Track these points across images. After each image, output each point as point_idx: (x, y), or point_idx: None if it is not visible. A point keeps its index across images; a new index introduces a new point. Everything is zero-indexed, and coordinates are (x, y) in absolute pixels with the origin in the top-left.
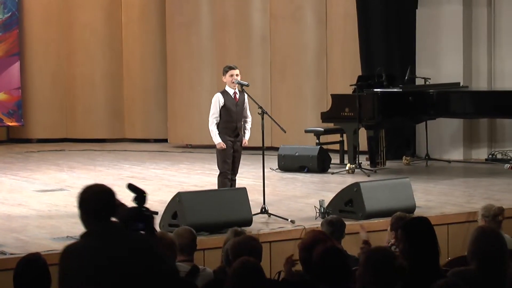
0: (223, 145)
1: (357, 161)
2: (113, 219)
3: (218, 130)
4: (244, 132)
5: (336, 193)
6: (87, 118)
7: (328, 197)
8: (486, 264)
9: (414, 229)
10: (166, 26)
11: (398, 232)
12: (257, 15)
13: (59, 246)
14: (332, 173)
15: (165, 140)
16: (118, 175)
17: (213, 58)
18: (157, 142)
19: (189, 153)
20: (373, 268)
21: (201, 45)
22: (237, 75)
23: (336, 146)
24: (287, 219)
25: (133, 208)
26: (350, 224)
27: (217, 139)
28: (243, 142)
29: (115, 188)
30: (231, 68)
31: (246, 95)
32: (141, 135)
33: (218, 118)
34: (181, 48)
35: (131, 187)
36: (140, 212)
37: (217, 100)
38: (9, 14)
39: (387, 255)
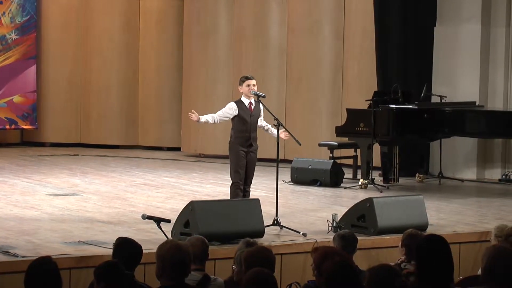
0: (192, 115)
1: (370, 177)
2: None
3: (232, 140)
4: (270, 129)
5: (349, 207)
6: (101, 124)
7: (340, 211)
8: (501, 283)
9: (430, 247)
10: (183, 35)
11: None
12: (275, 28)
13: (71, 250)
14: (345, 188)
15: (178, 149)
16: (131, 182)
17: (229, 68)
18: (170, 150)
19: (202, 163)
20: (376, 285)
21: (218, 55)
22: (254, 85)
23: (350, 161)
24: (299, 232)
25: None
26: (362, 240)
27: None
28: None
29: (127, 195)
30: (248, 78)
31: (262, 106)
32: (154, 143)
33: (223, 119)
34: (198, 57)
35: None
36: None
37: (232, 107)
38: (28, 17)
39: (391, 273)
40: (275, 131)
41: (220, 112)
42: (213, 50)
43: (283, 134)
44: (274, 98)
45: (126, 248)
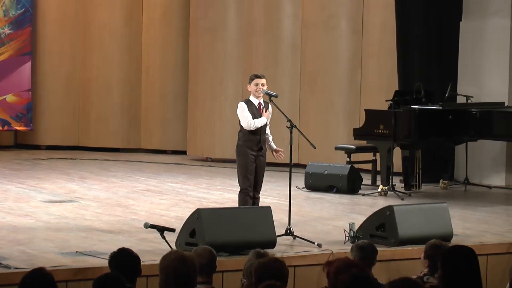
0: (266, 113)
1: (390, 183)
2: None
3: (240, 143)
4: (270, 142)
5: (367, 216)
6: (101, 125)
7: (358, 220)
8: None
9: (455, 259)
10: (189, 30)
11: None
12: (288, 22)
13: (67, 261)
14: (363, 195)
15: (184, 152)
16: (132, 188)
17: (238, 66)
18: (175, 154)
19: (209, 167)
20: None
21: (226, 52)
22: (262, 84)
23: (368, 166)
24: (314, 242)
25: None
26: (381, 251)
27: (261, 119)
28: (278, 154)
29: (129, 202)
30: (257, 76)
31: (271, 107)
32: (158, 146)
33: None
34: (205, 54)
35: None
36: None
37: (244, 107)
38: (22, 10)
39: (413, 286)
40: (273, 145)
41: (244, 118)
42: (221, 46)
43: (277, 154)
44: (287, 98)
45: (121, 259)
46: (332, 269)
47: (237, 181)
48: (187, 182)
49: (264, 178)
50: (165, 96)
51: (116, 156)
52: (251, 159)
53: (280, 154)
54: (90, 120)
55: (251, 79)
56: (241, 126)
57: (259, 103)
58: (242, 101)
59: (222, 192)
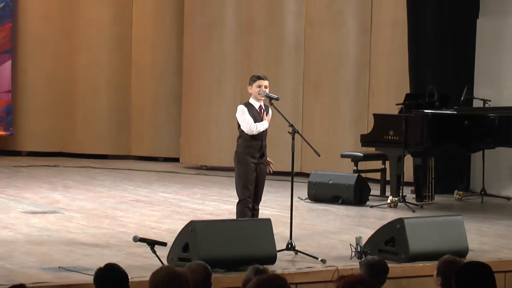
0: (267, 117)
1: (400, 194)
2: None
3: (240, 149)
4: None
5: (376, 229)
6: (87, 129)
7: (366, 234)
8: None
9: (471, 276)
10: (184, 27)
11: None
12: (290, 19)
13: (50, 277)
14: (371, 206)
15: (177, 160)
16: (121, 198)
17: (237, 66)
18: (167, 161)
19: (204, 176)
20: None
21: (224, 51)
22: (265, 86)
23: (377, 175)
24: (317, 258)
25: None
26: (391, 267)
27: (263, 123)
28: (269, 168)
29: (117, 214)
30: (259, 78)
31: (271, 111)
32: (149, 153)
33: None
34: (200, 53)
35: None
36: None
37: (245, 110)
38: (2, 4)
39: None
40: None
41: (246, 122)
42: (218, 45)
43: (268, 166)
44: (289, 101)
45: (108, 275)
46: (342, 284)
47: (235, 191)
48: (180, 192)
49: (264, 188)
50: (157, 98)
51: (104, 163)
52: (252, 168)
53: (270, 167)
54: (76, 124)
55: (253, 80)
56: (241, 131)
57: (260, 106)
58: (242, 104)
59: (218, 203)
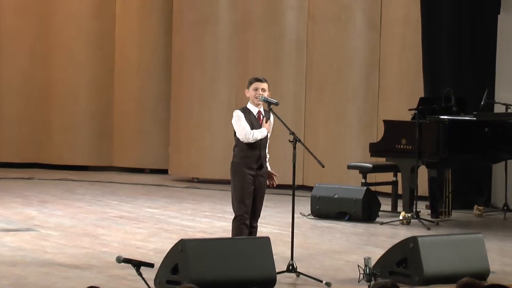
0: (267, 124)
1: (414, 209)
2: None
3: (237, 160)
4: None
5: (386, 249)
6: (65, 138)
7: (375, 254)
8: None
9: None
10: (172, 23)
11: None
12: (291, 15)
13: None
14: (381, 223)
15: (165, 171)
16: (103, 214)
17: (232, 66)
18: (154, 173)
19: (196, 189)
20: None
21: (217, 50)
22: (263, 89)
23: (388, 188)
24: (321, 281)
25: None
26: None
27: (262, 130)
28: (272, 180)
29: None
30: (257, 80)
31: (272, 118)
32: (134, 164)
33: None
34: (191, 52)
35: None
36: None
37: (241, 116)
38: None
39: None
40: (268, 167)
41: (241, 129)
42: (212, 43)
43: (270, 180)
44: (290, 106)
45: None
46: None
47: (231, 207)
48: (169, 208)
49: (263, 202)
50: (143, 102)
51: (83, 175)
52: (249, 180)
53: (274, 180)
54: (52, 131)
55: (250, 83)
56: (237, 139)
57: (259, 112)
58: (238, 109)
59: (212, 219)
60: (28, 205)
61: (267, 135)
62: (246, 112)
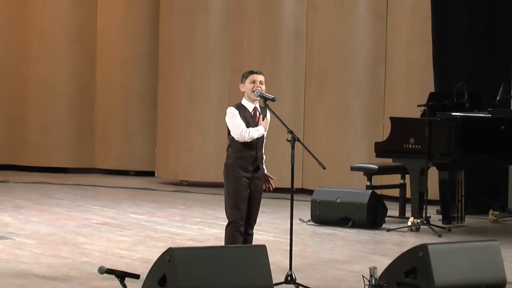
0: (264, 122)
1: (424, 214)
2: None
3: (230, 161)
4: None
5: (393, 258)
6: (42, 137)
7: (382, 263)
8: None
9: None
10: (159, 13)
11: None
12: (290, 3)
13: None
14: (388, 230)
15: (152, 174)
16: (84, 220)
17: (224, 60)
18: (139, 175)
19: (185, 193)
20: None
21: (209, 42)
22: (261, 82)
23: (395, 192)
24: None
25: None
26: None
27: (258, 128)
28: (268, 184)
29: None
30: (253, 72)
31: (269, 115)
32: (117, 165)
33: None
34: (180, 44)
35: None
36: None
37: (236, 113)
38: None
39: None
40: (264, 169)
41: (236, 128)
42: (202, 34)
43: (267, 183)
44: (288, 102)
45: None
46: None
47: (224, 212)
48: (155, 213)
49: (259, 207)
50: (127, 99)
51: (63, 178)
52: (244, 183)
53: (270, 183)
54: (28, 131)
55: (245, 77)
56: (231, 139)
57: (255, 108)
58: (232, 106)
59: (202, 226)
60: (1, 211)
61: (263, 134)
62: (241, 109)
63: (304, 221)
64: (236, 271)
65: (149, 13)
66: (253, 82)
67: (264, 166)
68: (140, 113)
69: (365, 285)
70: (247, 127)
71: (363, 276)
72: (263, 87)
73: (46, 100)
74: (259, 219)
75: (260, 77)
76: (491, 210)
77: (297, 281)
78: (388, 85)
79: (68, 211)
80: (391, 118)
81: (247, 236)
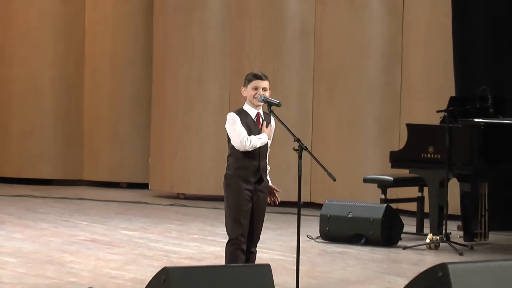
0: (268, 129)
1: (443, 231)
2: None
3: (231, 172)
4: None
5: (410, 278)
6: (25, 146)
7: (398, 284)
8: None
9: None
10: (153, 8)
11: None
12: None
13: None
14: (404, 248)
15: (145, 186)
16: (71, 237)
17: (224, 60)
18: (132, 188)
19: (182, 207)
20: None
21: (207, 40)
22: (264, 89)
23: (412, 206)
24: None
25: None
26: None
27: (261, 136)
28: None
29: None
30: (257, 77)
31: (273, 121)
32: (107, 177)
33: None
34: (176, 43)
35: None
36: None
37: (236, 119)
38: None
39: None
40: (269, 181)
41: (236, 136)
42: (200, 32)
43: (271, 196)
44: (295, 107)
45: None
46: None
47: (224, 228)
48: (149, 229)
49: (263, 222)
50: (118, 103)
51: (48, 191)
52: (246, 196)
53: (275, 196)
54: (10, 138)
55: (248, 80)
56: (232, 147)
57: (258, 114)
58: (232, 111)
59: (201, 243)
60: None
61: (267, 142)
62: (243, 115)
63: (312, 238)
64: None
65: (142, 9)
66: (256, 89)
67: (268, 178)
68: (132, 118)
69: None
70: (249, 134)
71: None
72: (267, 94)
73: (30, 104)
74: (262, 236)
75: (264, 83)
76: None
77: None
78: (405, 88)
79: (54, 226)
80: (408, 125)
81: (250, 254)
